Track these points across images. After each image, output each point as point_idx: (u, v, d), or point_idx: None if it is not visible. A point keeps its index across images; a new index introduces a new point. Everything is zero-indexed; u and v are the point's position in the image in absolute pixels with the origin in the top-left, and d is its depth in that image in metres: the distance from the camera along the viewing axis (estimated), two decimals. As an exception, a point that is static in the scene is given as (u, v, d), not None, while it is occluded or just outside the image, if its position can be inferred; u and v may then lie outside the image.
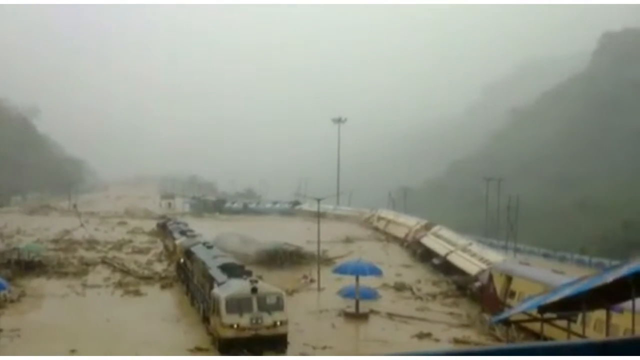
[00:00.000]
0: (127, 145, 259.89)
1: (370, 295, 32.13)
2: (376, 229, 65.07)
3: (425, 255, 47.51)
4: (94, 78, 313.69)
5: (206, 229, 51.04)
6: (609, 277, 16.12)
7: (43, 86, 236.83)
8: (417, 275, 42.04)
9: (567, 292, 19.07)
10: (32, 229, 60.52)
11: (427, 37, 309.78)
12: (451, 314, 32.43)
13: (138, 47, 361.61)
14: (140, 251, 50.84)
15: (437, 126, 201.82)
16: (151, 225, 65.36)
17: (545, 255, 54.20)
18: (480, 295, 33.71)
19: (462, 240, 45.52)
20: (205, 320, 27.74)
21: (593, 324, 21.71)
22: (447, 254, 43.56)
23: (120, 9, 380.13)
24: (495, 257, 39.26)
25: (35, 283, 38.18)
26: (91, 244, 53.26)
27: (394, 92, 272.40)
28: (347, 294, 31.86)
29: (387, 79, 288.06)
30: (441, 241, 47.18)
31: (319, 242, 39.82)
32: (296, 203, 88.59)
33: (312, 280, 38.67)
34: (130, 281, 39.08)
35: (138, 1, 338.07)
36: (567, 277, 26.41)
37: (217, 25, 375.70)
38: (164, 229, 55.98)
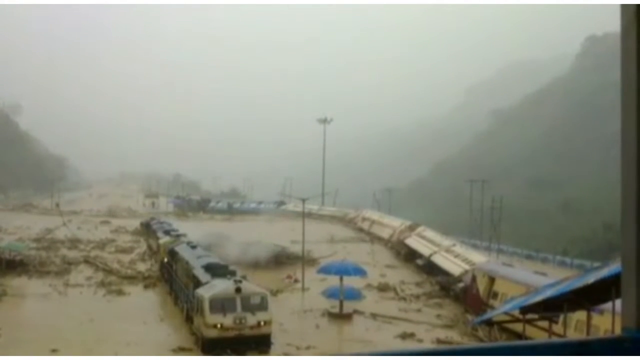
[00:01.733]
0: (110, 143, 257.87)
1: (355, 295, 32.22)
2: (361, 229, 65.26)
3: (409, 256, 47.74)
4: (77, 74, 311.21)
5: (190, 228, 50.78)
6: (590, 279, 16.36)
7: (26, 83, 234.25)
8: (401, 275, 42.22)
9: (548, 293, 19.30)
10: (13, 227, 59.80)
11: (410, 39, 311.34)
12: (434, 314, 32.62)
13: (124, 44, 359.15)
14: (124, 250, 50.51)
15: (421, 127, 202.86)
16: (135, 224, 64.96)
17: (528, 257, 54.72)
18: (464, 296, 33.95)
19: (446, 241, 45.81)
20: (189, 320, 27.66)
21: (574, 325, 22.01)
22: (430, 255, 43.81)
23: (108, 7, 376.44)
24: (478, 258, 39.58)
25: (16, 282, 37.79)
26: (74, 242, 52.80)
27: (377, 94, 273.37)
28: (331, 294, 31.92)
29: (370, 80, 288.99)
30: (425, 242, 47.45)
31: (303, 243, 39.86)
32: (281, 203, 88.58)
33: (296, 281, 38.70)
34: (113, 280, 38.82)
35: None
36: (549, 279, 26.70)
37: (205, 24, 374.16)
38: (147, 228, 55.68)
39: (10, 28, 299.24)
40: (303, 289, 36.78)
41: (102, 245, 52.65)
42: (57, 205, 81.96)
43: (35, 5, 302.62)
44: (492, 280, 31.31)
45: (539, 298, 19.26)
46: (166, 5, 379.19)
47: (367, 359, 1.87)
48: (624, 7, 1.75)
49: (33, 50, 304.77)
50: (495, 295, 30.32)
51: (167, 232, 45.42)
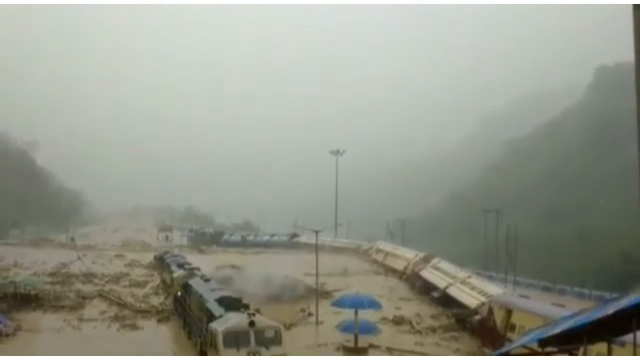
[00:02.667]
0: (125, 177, 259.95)
1: (370, 329, 31.83)
2: (375, 261, 64.83)
3: (424, 289, 47.23)
4: (92, 108, 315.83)
5: (204, 262, 50.83)
6: (610, 310, 16.05)
7: (41, 117, 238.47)
8: (416, 308, 41.74)
9: (567, 325, 18.95)
10: (29, 262, 60.19)
11: (424, 70, 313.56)
12: (451, 348, 32.11)
13: (135, 75, 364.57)
14: (138, 285, 50.50)
15: (434, 157, 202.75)
16: (149, 258, 65.09)
17: (545, 288, 53.89)
18: (481, 329, 33.41)
19: (461, 273, 45.29)
20: (203, 354, 27.43)
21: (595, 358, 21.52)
22: (446, 287, 43.31)
23: (125, 41, 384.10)
24: (495, 290, 39.03)
25: (31, 317, 37.81)
26: (88, 277, 52.94)
27: (390, 125, 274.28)
28: (346, 328, 31.55)
29: (383, 113, 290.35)
30: (440, 274, 46.96)
31: (317, 275, 39.60)
32: (294, 235, 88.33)
33: (310, 314, 38.34)
34: (127, 315, 38.74)
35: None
36: (567, 310, 26.24)
37: (219, 55, 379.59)
38: (161, 262, 55.73)
39: (26, 59, 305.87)
40: (317, 323, 36.41)
41: (116, 279, 52.73)
42: (73, 239, 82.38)
43: (51, 32, 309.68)
44: (509, 312, 30.81)
45: (558, 330, 18.88)
46: (187, 41, 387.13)
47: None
48: (637, 8, 1.78)
49: (48, 82, 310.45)
50: (512, 328, 29.81)
51: (180, 266, 45.43)
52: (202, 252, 78.76)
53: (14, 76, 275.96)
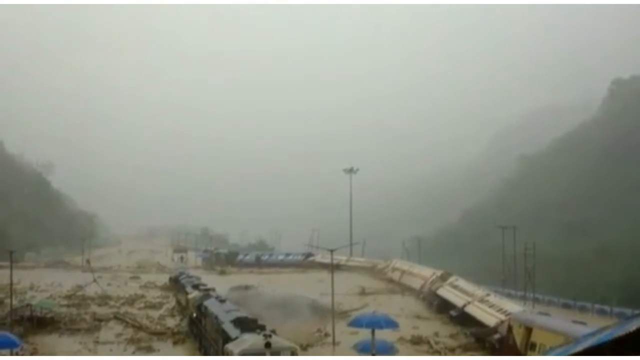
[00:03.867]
0: (138, 198, 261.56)
1: (387, 349, 31.31)
2: (391, 280, 64.21)
3: (442, 307, 46.59)
4: (105, 129, 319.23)
5: (219, 282, 50.63)
6: (633, 327, 15.64)
7: (56, 139, 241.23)
8: (434, 327, 41.14)
9: (589, 343, 18.50)
10: (45, 285, 60.33)
11: (436, 84, 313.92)
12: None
13: (149, 96, 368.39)
14: (153, 306, 50.36)
15: (448, 174, 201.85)
16: (164, 279, 65.01)
17: (565, 305, 52.97)
18: (500, 348, 32.81)
19: (479, 291, 44.67)
20: (219, 377, 27.13)
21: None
22: (464, 305, 42.70)
23: (139, 61, 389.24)
24: (513, 307, 38.39)
25: (47, 340, 37.76)
26: (103, 299, 52.91)
27: (403, 140, 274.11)
28: (362, 348, 31.07)
29: (397, 128, 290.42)
30: (458, 292, 46.34)
31: (332, 295, 39.22)
32: (309, 255, 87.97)
33: (326, 334, 37.91)
34: (143, 337, 38.56)
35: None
36: (588, 328, 25.67)
37: (230, 68, 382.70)
38: (176, 283, 55.62)
39: (35, 83, 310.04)
40: (334, 343, 35.97)
41: (131, 301, 52.64)
42: (88, 261, 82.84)
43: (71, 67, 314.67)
44: (529, 330, 30.24)
45: (579, 348, 18.43)
46: (203, 60, 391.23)
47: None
48: None
49: (61, 105, 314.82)
50: (532, 346, 29.22)
51: (195, 287, 45.25)
52: (216, 272, 78.58)
53: (29, 99, 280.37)
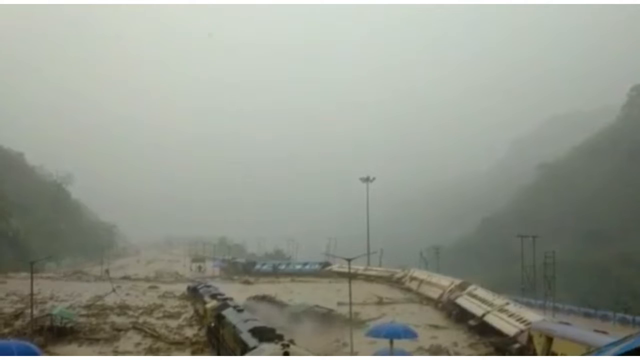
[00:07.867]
0: (157, 209, 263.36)
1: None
2: (409, 289, 63.80)
3: (460, 316, 46.16)
4: (123, 139, 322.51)
5: (236, 291, 50.68)
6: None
7: (75, 150, 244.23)
8: (453, 337, 40.74)
9: (612, 352, 18.21)
10: (65, 295, 60.83)
11: (453, 93, 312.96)
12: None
13: (168, 106, 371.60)
14: (171, 316, 50.52)
15: (466, 182, 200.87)
16: (182, 289, 65.26)
17: (586, 314, 52.27)
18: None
19: (498, 300, 44.18)
20: (237, 387, 27.09)
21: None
22: (483, 315, 42.26)
23: (158, 69, 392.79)
24: (533, 316, 37.90)
25: (67, 350, 38.00)
26: (122, 309, 53.19)
27: (421, 148, 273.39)
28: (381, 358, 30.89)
29: (414, 136, 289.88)
30: (477, 301, 45.87)
31: (350, 304, 39.03)
32: (326, 264, 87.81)
33: (344, 344, 37.73)
34: (161, 347, 38.67)
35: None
36: (610, 337, 25.27)
37: (248, 81, 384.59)
38: (194, 293, 55.81)
39: (59, 93, 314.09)
40: (352, 353, 35.78)
41: (150, 310, 52.84)
42: (107, 271, 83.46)
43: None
44: (549, 340, 29.85)
45: (601, 358, 18.19)
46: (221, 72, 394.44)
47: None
48: None
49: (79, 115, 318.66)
50: (553, 355, 28.84)
51: (213, 296, 45.32)
52: (234, 281, 78.73)
53: (48, 111, 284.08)
